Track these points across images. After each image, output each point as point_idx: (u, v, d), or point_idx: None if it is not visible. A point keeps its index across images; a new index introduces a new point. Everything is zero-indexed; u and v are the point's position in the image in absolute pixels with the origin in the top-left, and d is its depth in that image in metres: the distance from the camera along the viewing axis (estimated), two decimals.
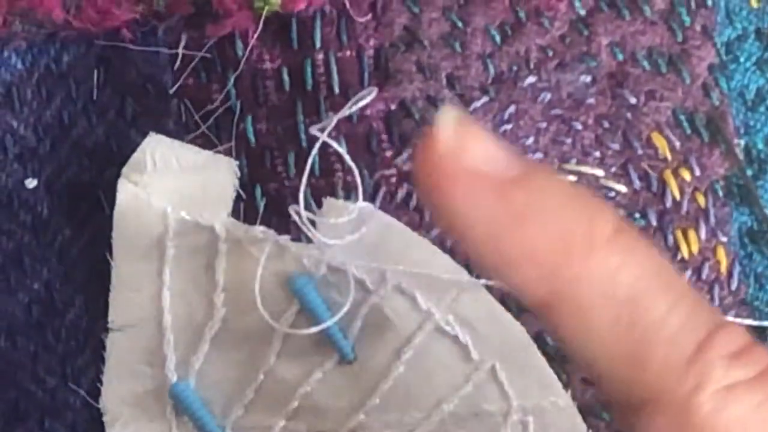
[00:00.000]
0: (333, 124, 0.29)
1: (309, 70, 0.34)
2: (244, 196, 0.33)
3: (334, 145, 0.30)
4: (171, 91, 0.34)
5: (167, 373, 0.31)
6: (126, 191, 0.32)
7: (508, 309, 0.31)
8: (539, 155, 0.33)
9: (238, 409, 0.32)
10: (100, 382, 0.32)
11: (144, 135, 0.33)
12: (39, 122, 0.34)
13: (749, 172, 0.33)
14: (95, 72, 0.34)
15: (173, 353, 0.32)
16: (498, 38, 0.34)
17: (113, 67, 0.34)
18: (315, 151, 0.30)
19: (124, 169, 0.32)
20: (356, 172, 0.30)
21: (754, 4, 0.34)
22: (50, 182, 0.34)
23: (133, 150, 0.33)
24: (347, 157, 0.30)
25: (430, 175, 0.22)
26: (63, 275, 0.33)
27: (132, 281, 0.32)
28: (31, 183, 0.34)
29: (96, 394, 0.32)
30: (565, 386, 0.31)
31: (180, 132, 0.33)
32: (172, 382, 0.31)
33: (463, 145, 0.22)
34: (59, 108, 0.34)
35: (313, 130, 0.30)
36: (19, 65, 0.34)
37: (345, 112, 0.30)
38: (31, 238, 0.34)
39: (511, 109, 0.33)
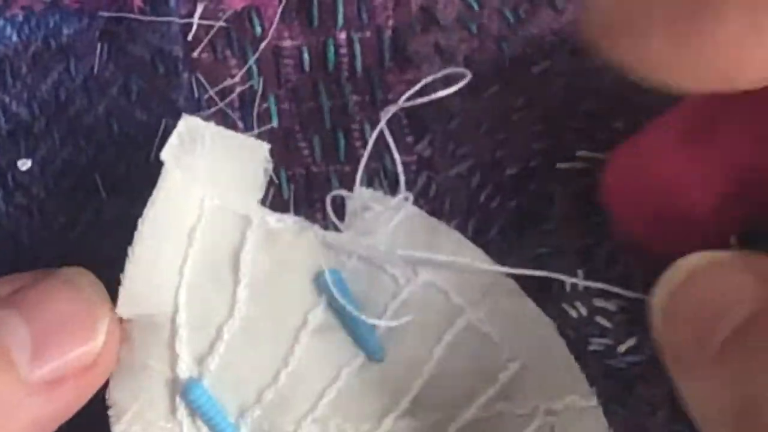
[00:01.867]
0: (395, 109, 0.28)
1: (332, 49, 0.32)
2: (276, 180, 0.32)
3: (386, 132, 0.29)
4: (182, 65, 0.32)
5: (179, 373, 0.30)
6: (173, 177, 0.30)
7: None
8: (553, 142, 0.32)
9: (255, 411, 0.30)
10: None
11: (149, 112, 0.31)
12: (33, 98, 0.32)
13: None
14: (98, 46, 0.32)
15: (186, 352, 0.30)
16: (512, 20, 0.33)
17: (118, 42, 0.32)
18: (374, 135, 0.29)
19: (170, 151, 0.30)
20: (398, 160, 0.29)
21: None
22: (45, 163, 0.32)
23: (137, 129, 0.31)
24: (393, 148, 0.29)
25: None
26: (61, 263, 0.31)
27: (152, 273, 0.30)
28: (25, 164, 0.32)
29: None
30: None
31: (191, 109, 0.32)
32: (185, 381, 0.30)
33: None
34: (56, 83, 0.32)
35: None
36: (15, 38, 0.32)
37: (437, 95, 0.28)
38: (29, 221, 0.32)
39: (525, 95, 0.32)
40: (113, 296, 0.30)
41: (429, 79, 0.29)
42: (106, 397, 0.30)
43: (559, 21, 0.33)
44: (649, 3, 0.23)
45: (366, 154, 0.29)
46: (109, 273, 0.30)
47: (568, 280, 0.31)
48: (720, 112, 0.26)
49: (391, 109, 0.28)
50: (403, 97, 0.28)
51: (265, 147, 0.31)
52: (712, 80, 0.23)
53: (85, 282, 0.29)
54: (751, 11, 0.22)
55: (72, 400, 0.28)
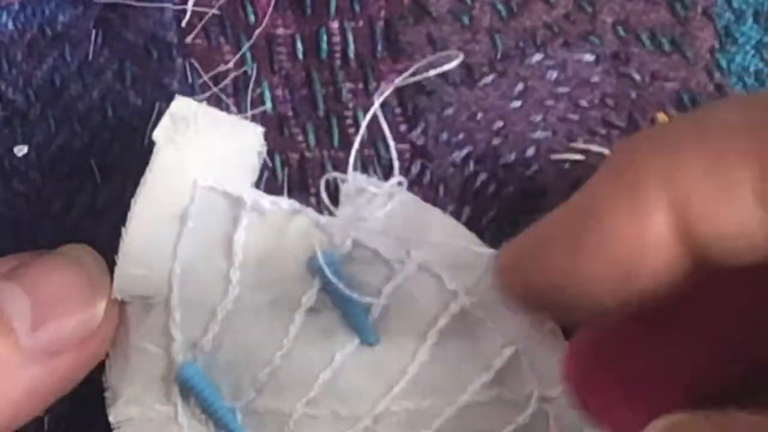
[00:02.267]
0: (389, 92, 0.28)
1: (324, 38, 0.33)
2: (270, 164, 0.32)
3: (380, 116, 0.29)
4: (176, 51, 0.32)
5: (174, 355, 0.30)
6: (165, 157, 0.30)
7: None
8: (548, 133, 0.32)
9: (248, 393, 0.30)
10: None
11: (143, 97, 0.31)
12: (29, 85, 0.32)
13: None
14: (93, 33, 0.32)
15: (180, 334, 0.30)
16: (504, 13, 0.33)
17: (112, 28, 0.32)
18: (367, 117, 0.29)
19: (162, 131, 0.30)
20: (392, 145, 0.29)
21: None
22: (41, 148, 0.32)
23: (131, 113, 0.31)
24: (387, 131, 0.29)
25: None
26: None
27: (145, 254, 0.30)
28: (21, 150, 0.32)
29: (97, 368, 0.31)
30: None
31: (185, 94, 0.32)
32: (179, 363, 0.30)
33: None
34: (51, 69, 0.32)
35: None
36: (10, 25, 0.32)
37: (430, 74, 0.28)
38: (26, 206, 0.32)
39: (520, 86, 0.33)
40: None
41: (423, 62, 0.29)
42: (103, 379, 0.30)
43: (550, 14, 0.33)
44: (543, 230, 0.26)
45: (359, 136, 0.29)
46: (106, 256, 0.30)
47: None
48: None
49: (386, 92, 0.28)
50: (399, 78, 0.29)
51: (259, 130, 0.31)
52: (613, 278, 0.24)
53: (86, 257, 0.29)
54: (633, 204, 0.23)
55: (70, 371, 0.28)
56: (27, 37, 0.32)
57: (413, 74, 0.29)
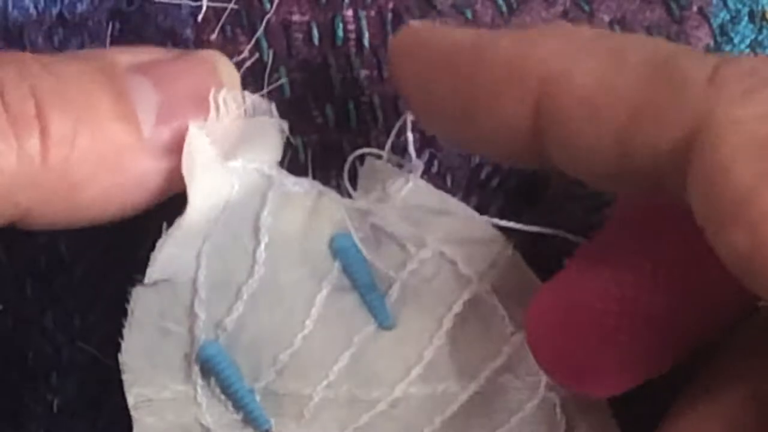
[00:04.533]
0: None
1: (341, 25, 0.33)
2: (294, 143, 0.32)
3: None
4: (193, 47, 0.32)
5: (197, 333, 0.30)
6: (207, 157, 0.29)
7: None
8: None
9: (269, 374, 0.30)
10: (111, 337, 0.30)
11: None
12: None
13: None
14: (110, 26, 0.32)
15: (204, 313, 0.30)
16: (505, 9, 0.34)
17: (129, 23, 0.33)
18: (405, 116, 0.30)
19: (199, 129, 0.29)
20: (409, 126, 0.30)
21: None
22: None
23: None
24: (409, 122, 0.30)
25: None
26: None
27: (182, 235, 0.29)
28: None
29: (106, 350, 0.31)
30: None
31: None
32: (202, 342, 0.30)
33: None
34: None
35: None
36: (32, 9, 0.32)
37: None
38: None
39: None
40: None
41: None
42: (119, 361, 0.30)
43: (549, 11, 0.34)
44: (441, 48, 0.28)
45: (395, 128, 0.30)
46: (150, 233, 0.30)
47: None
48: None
49: None
50: None
51: (272, 104, 0.31)
52: (466, 134, 0.28)
53: (220, 64, 0.30)
54: (511, 87, 0.26)
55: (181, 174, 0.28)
56: (46, 23, 0.32)
57: None
